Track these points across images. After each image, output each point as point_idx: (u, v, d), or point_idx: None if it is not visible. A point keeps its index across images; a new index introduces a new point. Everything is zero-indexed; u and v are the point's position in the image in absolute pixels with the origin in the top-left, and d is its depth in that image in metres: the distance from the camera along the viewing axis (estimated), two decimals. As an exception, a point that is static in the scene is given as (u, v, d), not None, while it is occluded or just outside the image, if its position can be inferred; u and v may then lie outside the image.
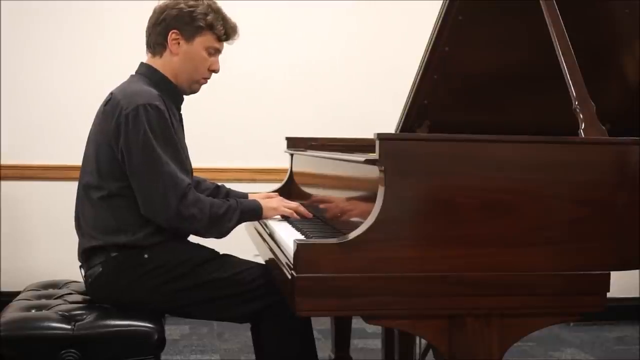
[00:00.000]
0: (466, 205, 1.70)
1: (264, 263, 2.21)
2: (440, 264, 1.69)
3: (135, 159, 2.08)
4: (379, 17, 4.26)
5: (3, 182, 3.95)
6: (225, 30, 2.26)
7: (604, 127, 1.84)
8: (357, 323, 2.73)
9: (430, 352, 2.46)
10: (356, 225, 1.71)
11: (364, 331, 3.76)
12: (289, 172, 2.93)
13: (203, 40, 2.24)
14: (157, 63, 2.26)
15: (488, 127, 2.19)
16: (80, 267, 2.23)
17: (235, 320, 2.26)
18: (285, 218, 2.35)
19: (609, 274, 1.77)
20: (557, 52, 1.94)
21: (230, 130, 4.15)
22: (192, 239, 2.24)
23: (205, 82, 2.32)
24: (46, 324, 2.04)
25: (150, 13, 2.27)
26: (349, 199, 2.12)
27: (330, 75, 4.24)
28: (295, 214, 2.33)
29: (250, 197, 2.46)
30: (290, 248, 1.80)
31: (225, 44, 2.30)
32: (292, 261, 1.70)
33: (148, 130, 2.07)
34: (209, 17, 2.22)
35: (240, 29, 2.31)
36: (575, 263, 1.76)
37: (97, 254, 2.15)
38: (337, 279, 1.65)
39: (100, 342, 2.03)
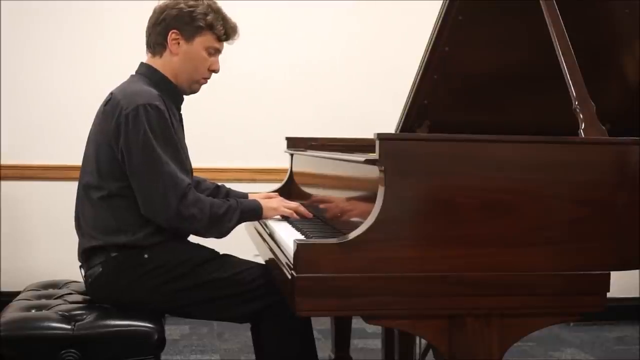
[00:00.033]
0: (466, 205, 1.70)
1: (264, 263, 2.21)
2: (440, 264, 1.69)
3: (135, 159, 2.08)
4: (379, 17, 4.26)
5: (3, 182, 3.95)
6: (225, 30, 2.26)
7: (604, 127, 1.84)
8: (357, 323, 2.73)
9: (430, 352, 2.46)
10: (356, 225, 1.71)
11: (364, 331, 3.76)
12: (289, 172, 2.93)
13: (203, 40, 2.24)
14: (157, 63, 2.27)
15: (488, 127, 2.19)
16: (80, 267, 2.23)
17: (235, 320, 2.26)
18: (285, 218, 2.35)
19: (609, 274, 1.77)
20: (557, 52, 1.94)
21: (230, 130, 4.15)
22: (192, 239, 2.24)
23: (205, 82, 2.32)
24: (46, 324, 2.04)
25: (150, 13, 2.27)
26: (349, 199, 2.12)
27: (330, 75, 4.24)
28: (295, 214, 2.33)
29: (250, 197, 2.46)
30: (290, 248, 1.80)
31: (225, 44, 2.30)
32: (292, 261, 1.70)
33: (148, 130, 2.07)
34: (208, 17, 2.22)
35: (240, 29, 2.31)
36: (575, 263, 1.76)
37: (97, 254, 2.15)
38: (337, 279, 1.65)
39: (100, 342, 2.03)
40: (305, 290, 1.65)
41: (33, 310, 2.14)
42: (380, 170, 1.69)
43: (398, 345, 2.66)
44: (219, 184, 2.64)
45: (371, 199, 1.72)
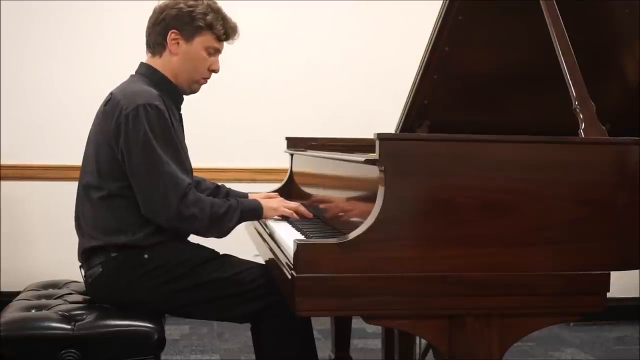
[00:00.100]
0: (466, 205, 1.70)
1: (264, 263, 2.21)
2: (440, 264, 1.69)
3: (135, 159, 2.08)
4: (379, 17, 4.26)
5: (3, 182, 3.95)
6: (225, 30, 2.26)
7: (604, 127, 1.84)
8: (357, 323, 2.73)
9: (430, 352, 2.46)
10: (356, 225, 1.71)
11: (364, 331, 3.76)
12: (289, 172, 2.93)
13: (202, 40, 2.24)
14: (157, 63, 2.26)
15: (488, 127, 2.19)
16: (80, 267, 2.23)
17: (235, 320, 2.26)
18: (285, 218, 2.35)
19: (609, 274, 1.77)
20: (557, 52, 1.94)
21: (230, 130, 4.15)
22: (192, 238, 2.24)
23: (205, 82, 2.32)
24: (46, 324, 2.04)
25: (150, 13, 2.27)
26: (349, 199, 2.12)
27: (330, 75, 4.24)
28: (295, 214, 2.33)
29: (251, 197, 2.46)
30: (290, 248, 1.80)
31: (225, 44, 2.30)
32: (292, 261, 1.70)
33: (148, 131, 2.07)
34: (208, 17, 2.22)
35: (240, 29, 2.31)
36: (575, 263, 1.76)
37: (97, 254, 2.15)
38: (337, 279, 1.65)
39: (100, 342, 2.03)
40: (305, 290, 1.65)
41: (33, 310, 2.14)
42: (380, 170, 1.69)
43: (398, 345, 2.66)
44: (219, 184, 2.64)
45: (371, 199, 1.72)
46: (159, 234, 2.13)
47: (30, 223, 4.00)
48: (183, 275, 2.12)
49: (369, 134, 1.81)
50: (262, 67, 4.17)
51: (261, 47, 4.14)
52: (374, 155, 1.71)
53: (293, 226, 2.26)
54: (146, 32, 2.28)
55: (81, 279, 2.26)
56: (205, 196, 2.17)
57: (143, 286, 2.11)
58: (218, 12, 2.25)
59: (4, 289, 3.75)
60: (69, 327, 2.02)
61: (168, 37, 2.22)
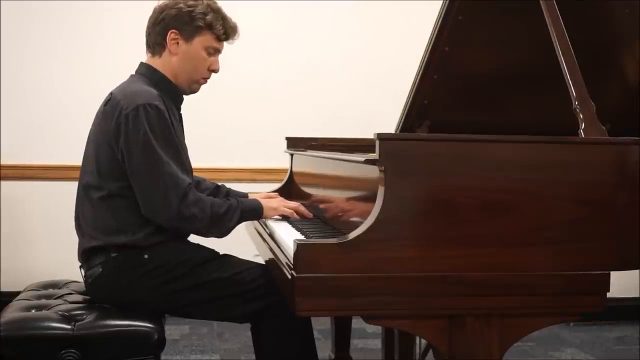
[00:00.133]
0: (466, 205, 1.70)
1: (264, 263, 2.21)
2: (440, 264, 1.69)
3: (135, 159, 2.08)
4: (379, 17, 4.26)
5: (3, 182, 3.95)
6: (224, 30, 2.26)
7: (604, 127, 1.84)
8: (357, 323, 2.73)
9: (430, 352, 2.46)
10: (356, 225, 1.71)
11: (364, 331, 3.76)
12: (289, 172, 2.93)
13: (202, 40, 2.24)
14: (157, 63, 2.26)
15: (488, 127, 2.19)
16: (80, 267, 2.23)
17: (235, 320, 2.26)
18: (285, 218, 2.35)
19: (609, 274, 1.77)
20: (557, 52, 1.94)
21: (230, 130, 4.15)
22: (192, 238, 2.24)
23: (205, 82, 2.32)
24: (46, 324, 2.04)
25: (150, 13, 2.27)
26: (349, 199, 2.12)
27: (330, 75, 4.24)
28: (295, 214, 2.33)
29: (251, 197, 2.46)
30: (290, 248, 1.80)
31: (225, 43, 2.30)
32: (292, 261, 1.70)
33: (148, 131, 2.07)
34: (208, 17, 2.22)
35: (240, 29, 2.31)
36: (575, 263, 1.76)
37: (97, 254, 2.15)
38: (337, 279, 1.65)
39: (100, 342, 2.03)
40: (305, 290, 1.65)
41: (33, 310, 2.14)
42: (380, 170, 1.69)
43: (398, 345, 2.66)
44: (219, 184, 2.64)
45: (371, 199, 1.72)
46: (159, 234, 2.13)
47: (30, 223, 4.00)
48: (183, 275, 2.12)
49: (369, 134, 1.81)
50: (262, 67, 4.17)
51: (261, 47, 4.14)
52: (374, 155, 1.71)
53: (293, 226, 2.26)
54: (146, 32, 2.28)
55: (81, 279, 2.26)
56: (206, 196, 2.17)
57: (143, 286, 2.11)
58: (218, 12, 2.25)
59: (4, 289, 3.75)
60: (69, 327, 2.02)
61: (168, 37, 2.22)
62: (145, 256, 2.12)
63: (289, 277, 1.70)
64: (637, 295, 4.17)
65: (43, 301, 2.24)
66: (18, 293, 2.37)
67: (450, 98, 2.64)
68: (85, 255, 2.18)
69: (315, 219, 2.37)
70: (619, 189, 1.79)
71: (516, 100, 2.54)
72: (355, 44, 4.25)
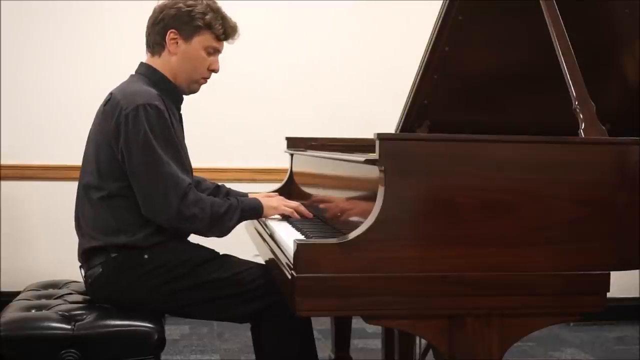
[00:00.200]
0: (466, 205, 1.70)
1: (264, 263, 2.21)
2: (440, 264, 1.69)
3: (135, 159, 2.08)
4: (379, 17, 4.26)
5: (3, 182, 3.95)
6: (224, 30, 2.26)
7: (604, 127, 1.84)
8: (357, 323, 2.73)
9: (430, 352, 2.46)
10: (356, 225, 1.71)
11: (364, 331, 3.76)
12: (289, 172, 2.93)
13: (201, 40, 2.23)
14: (157, 63, 2.26)
15: (488, 127, 2.19)
16: (80, 267, 2.23)
17: (235, 320, 2.26)
18: (285, 218, 2.35)
19: (609, 274, 1.77)
20: (557, 52, 1.94)
21: (230, 130, 4.15)
22: (192, 238, 2.24)
23: (205, 82, 2.32)
24: (46, 324, 2.04)
25: (150, 13, 2.27)
26: (349, 199, 2.12)
27: (330, 75, 4.24)
28: (295, 213, 2.33)
29: (251, 196, 2.46)
30: (290, 248, 1.80)
31: (225, 43, 2.30)
32: (292, 261, 1.70)
33: (148, 131, 2.07)
34: (207, 17, 2.22)
35: (240, 29, 2.31)
36: (575, 263, 1.76)
37: (97, 254, 2.15)
38: (337, 279, 1.65)
39: (100, 342, 2.03)
40: (305, 290, 1.65)
41: (33, 310, 2.14)
42: (380, 170, 1.69)
43: (398, 345, 2.66)
44: (219, 183, 2.64)
45: (371, 199, 1.72)
46: (159, 234, 2.13)
47: (30, 223, 4.00)
48: (183, 275, 2.12)
49: (369, 134, 1.81)
50: (262, 67, 4.17)
51: (261, 47, 4.14)
52: (374, 155, 1.71)
53: (293, 226, 2.26)
54: (146, 32, 2.28)
55: (81, 279, 2.26)
56: (206, 196, 2.17)
57: (143, 286, 2.11)
58: (217, 12, 2.25)
59: (4, 289, 3.75)
60: (69, 327, 2.02)
61: (167, 36, 2.22)
62: (145, 256, 2.12)
63: (289, 277, 1.70)
64: (637, 295, 4.17)
65: (43, 301, 2.24)
66: (18, 293, 2.37)
67: (450, 98, 2.64)
68: (85, 256, 2.18)
69: (315, 219, 2.37)
70: (619, 189, 1.79)
71: (516, 100, 2.54)
72: (355, 44, 4.25)
